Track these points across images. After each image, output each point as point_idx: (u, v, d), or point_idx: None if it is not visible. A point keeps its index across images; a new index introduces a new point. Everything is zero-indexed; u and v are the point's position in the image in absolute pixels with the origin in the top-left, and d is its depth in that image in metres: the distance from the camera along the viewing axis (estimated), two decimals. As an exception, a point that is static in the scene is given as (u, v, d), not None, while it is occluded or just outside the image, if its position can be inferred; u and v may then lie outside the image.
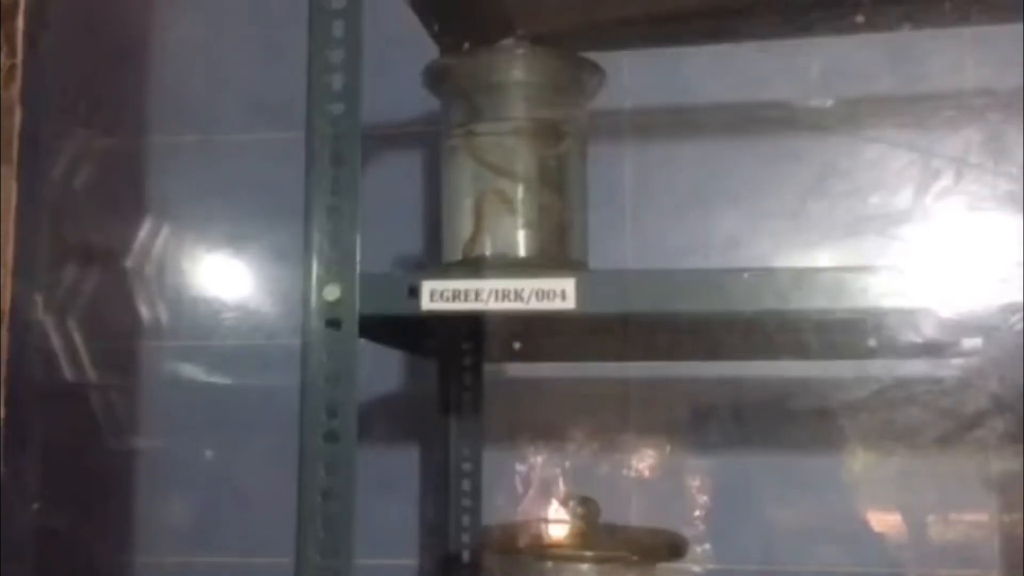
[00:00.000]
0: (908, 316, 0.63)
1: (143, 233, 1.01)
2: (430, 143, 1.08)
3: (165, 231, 1.02)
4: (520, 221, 0.74)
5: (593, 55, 1.03)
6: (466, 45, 1.06)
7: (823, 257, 1.05)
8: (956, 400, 0.94)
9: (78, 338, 0.96)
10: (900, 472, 1.01)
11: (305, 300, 0.67)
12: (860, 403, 0.99)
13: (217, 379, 1.08)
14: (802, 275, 0.62)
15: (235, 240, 1.14)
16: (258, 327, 1.12)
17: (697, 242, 1.08)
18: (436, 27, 1.01)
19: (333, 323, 0.67)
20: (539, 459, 1.09)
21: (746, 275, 0.63)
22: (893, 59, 1.06)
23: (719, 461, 1.05)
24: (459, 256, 0.75)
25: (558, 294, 0.65)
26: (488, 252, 0.74)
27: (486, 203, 0.74)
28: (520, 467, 1.09)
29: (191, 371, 1.08)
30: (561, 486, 1.08)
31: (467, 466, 1.04)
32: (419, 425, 1.11)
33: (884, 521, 1.01)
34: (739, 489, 1.04)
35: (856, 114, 1.07)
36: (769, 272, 0.63)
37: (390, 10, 0.88)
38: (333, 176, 0.68)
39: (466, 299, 0.66)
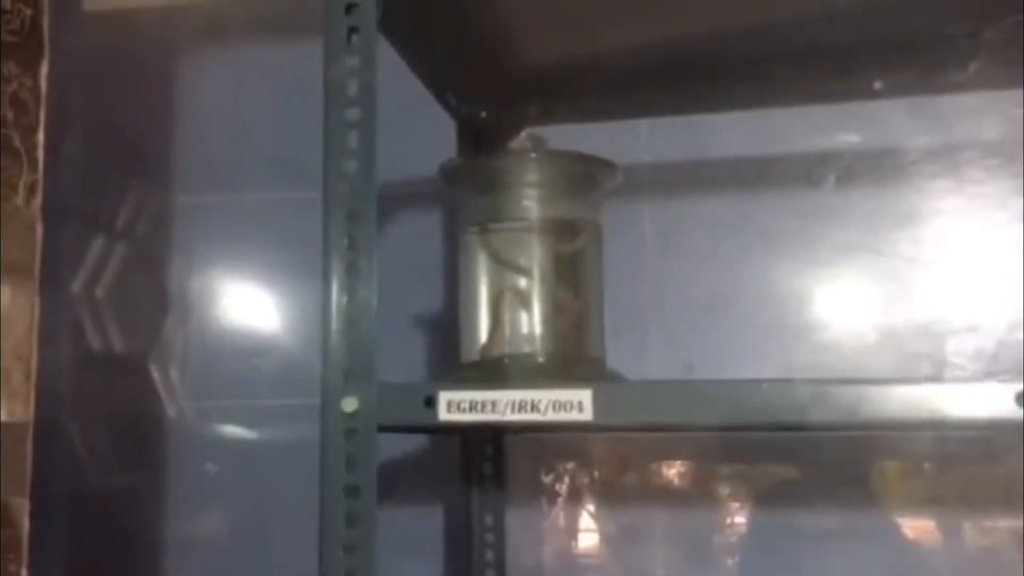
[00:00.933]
0: (931, 425, 0.62)
1: (166, 329, 1.01)
2: (449, 201, 1.08)
3: (190, 320, 1.03)
4: (537, 319, 0.74)
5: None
6: (483, 114, 1.07)
7: (850, 312, 1.03)
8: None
9: (103, 440, 0.97)
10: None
11: (323, 410, 0.68)
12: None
13: (248, 455, 1.08)
14: (822, 388, 0.62)
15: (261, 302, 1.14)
16: (288, 388, 1.12)
17: (719, 299, 1.07)
18: (452, 101, 1.02)
19: (351, 431, 0.68)
20: (564, 521, 1.09)
21: (764, 386, 0.63)
22: (915, 112, 1.05)
23: (749, 519, 1.04)
24: (476, 356, 0.75)
25: (575, 405, 0.65)
26: (506, 351, 0.74)
27: (503, 301, 0.74)
28: (544, 528, 1.09)
29: (221, 454, 1.08)
30: (589, 548, 1.08)
31: (490, 536, 1.05)
32: (442, 491, 1.11)
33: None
34: (772, 551, 1.03)
35: (880, 167, 1.05)
36: (788, 384, 0.63)
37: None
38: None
39: (483, 410, 0.66)
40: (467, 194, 0.78)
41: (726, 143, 1.08)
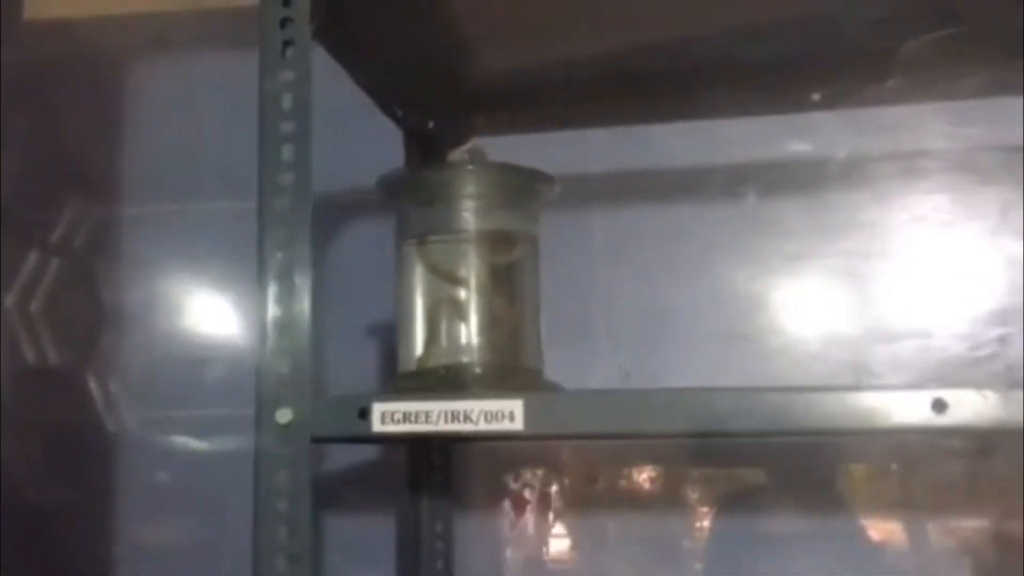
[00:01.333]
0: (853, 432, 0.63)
1: (107, 341, 1.01)
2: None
3: (133, 331, 1.02)
4: (474, 330, 0.75)
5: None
6: (430, 124, 1.07)
7: (796, 318, 1.05)
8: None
9: (42, 455, 0.96)
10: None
11: (258, 422, 0.68)
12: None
13: (193, 466, 1.08)
14: (745, 397, 0.63)
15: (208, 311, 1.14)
16: (233, 398, 1.11)
17: (668, 308, 1.08)
18: (399, 112, 1.02)
19: (285, 442, 0.68)
20: (515, 529, 1.09)
21: (688, 396, 0.64)
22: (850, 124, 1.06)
23: (701, 521, 1.05)
24: (413, 366, 0.76)
25: (506, 415, 0.65)
26: (442, 362, 0.75)
27: (440, 312, 0.75)
28: (495, 536, 1.10)
29: (166, 465, 1.08)
30: (540, 555, 1.08)
31: (440, 545, 1.05)
32: (392, 500, 1.11)
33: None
34: (737, 555, 1.04)
35: (825, 176, 1.07)
36: (711, 393, 0.64)
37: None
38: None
39: (416, 421, 0.66)
40: (405, 206, 0.78)
41: (675, 153, 1.10)
